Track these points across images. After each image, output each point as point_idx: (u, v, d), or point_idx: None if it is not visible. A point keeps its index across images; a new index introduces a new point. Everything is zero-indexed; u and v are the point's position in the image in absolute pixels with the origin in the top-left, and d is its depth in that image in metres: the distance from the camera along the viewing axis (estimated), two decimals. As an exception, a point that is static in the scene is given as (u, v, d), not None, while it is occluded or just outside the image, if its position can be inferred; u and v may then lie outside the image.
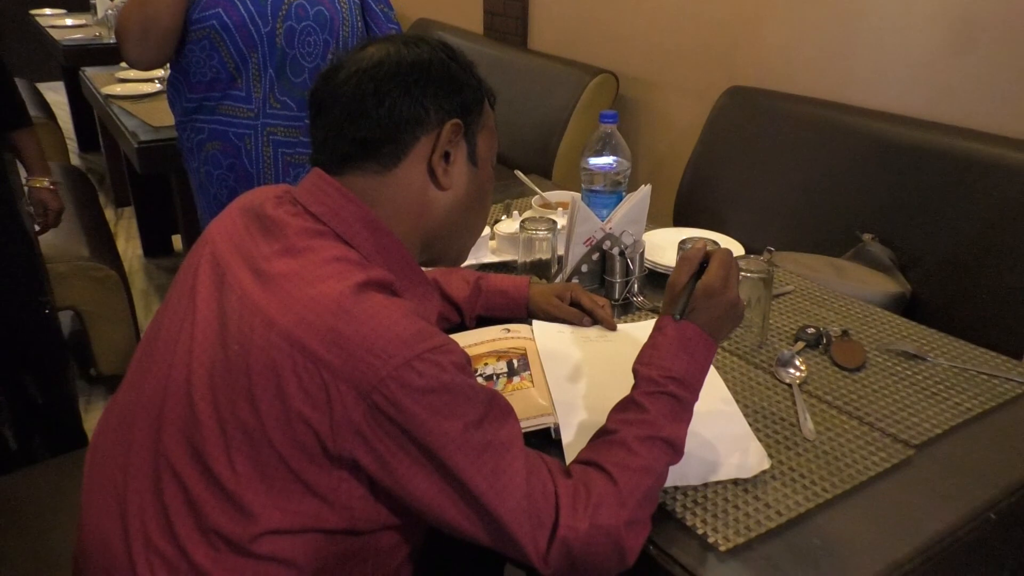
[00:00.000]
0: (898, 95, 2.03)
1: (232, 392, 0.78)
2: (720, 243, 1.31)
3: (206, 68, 1.59)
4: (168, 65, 1.67)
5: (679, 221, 2.43)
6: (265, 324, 0.78)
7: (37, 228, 1.86)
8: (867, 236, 1.94)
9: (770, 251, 1.93)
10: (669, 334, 0.91)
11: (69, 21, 4.02)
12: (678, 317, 0.91)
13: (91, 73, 3.02)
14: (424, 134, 0.87)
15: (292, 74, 1.62)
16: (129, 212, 3.65)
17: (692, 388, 0.91)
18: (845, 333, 1.25)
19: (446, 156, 0.89)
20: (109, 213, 3.76)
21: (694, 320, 0.92)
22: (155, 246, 3.41)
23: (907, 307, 1.83)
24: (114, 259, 2.45)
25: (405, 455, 0.77)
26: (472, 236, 0.99)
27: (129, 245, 3.51)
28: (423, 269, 0.95)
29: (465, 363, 0.81)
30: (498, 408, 0.82)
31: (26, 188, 1.83)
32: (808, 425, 1.04)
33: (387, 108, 0.85)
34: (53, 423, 1.91)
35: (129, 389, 0.90)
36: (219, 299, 0.84)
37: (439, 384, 0.76)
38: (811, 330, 1.25)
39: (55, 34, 3.79)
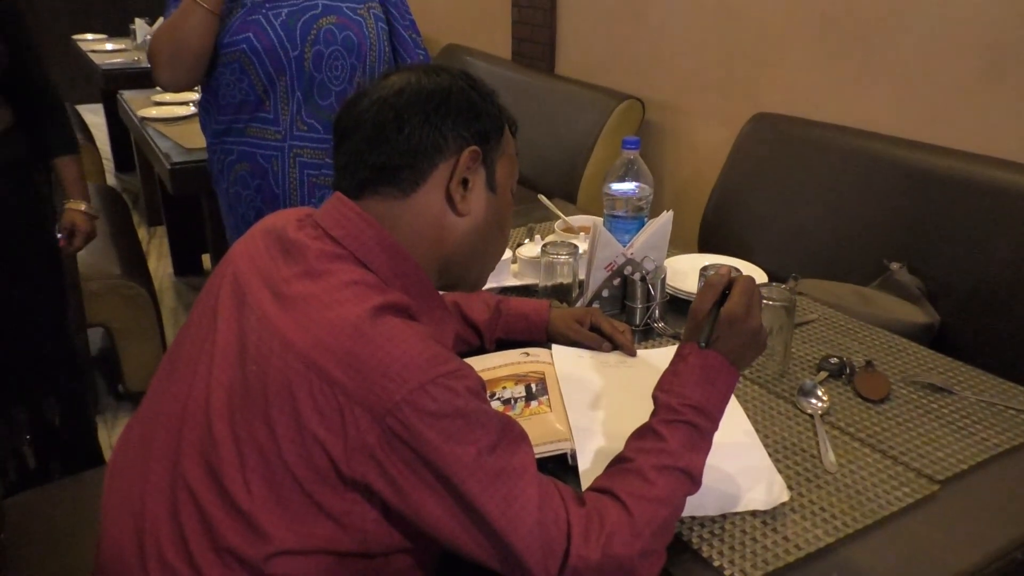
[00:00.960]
0: (926, 124, 2.01)
1: (249, 413, 0.79)
2: (742, 270, 1.31)
3: (235, 91, 1.62)
4: (200, 88, 1.71)
5: (704, 247, 2.41)
6: (283, 345, 0.78)
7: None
8: (895, 265, 1.92)
9: (795, 278, 1.91)
10: (691, 362, 0.90)
11: (109, 46, 4.14)
12: (703, 344, 0.90)
13: (128, 96, 3.10)
14: (442, 161, 0.88)
15: (319, 97, 1.65)
16: (161, 231, 3.71)
17: (712, 417, 0.90)
18: (869, 364, 1.23)
19: (464, 183, 0.90)
20: (142, 232, 3.84)
21: (717, 348, 0.90)
22: (185, 265, 3.47)
23: (935, 338, 1.80)
24: (145, 278, 2.49)
25: (418, 479, 0.77)
26: (491, 262, 1.00)
27: (160, 264, 3.57)
28: (442, 292, 0.95)
29: (480, 389, 0.81)
30: (512, 434, 0.82)
31: (64, 211, 1.88)
32: (830, 457, 1.03)
33: (406, 135, 0.86)
34: (71, 444, 1.93)
35: (149, 407, 0.92)
36: (239, 320, 0.85)
37: (453, 409, 0.76)
38: (834, 360, 1.23)
39: (95, 58, 3.90)
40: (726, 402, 0.92)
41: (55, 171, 1.87)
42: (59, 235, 1.88)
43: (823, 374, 1.22)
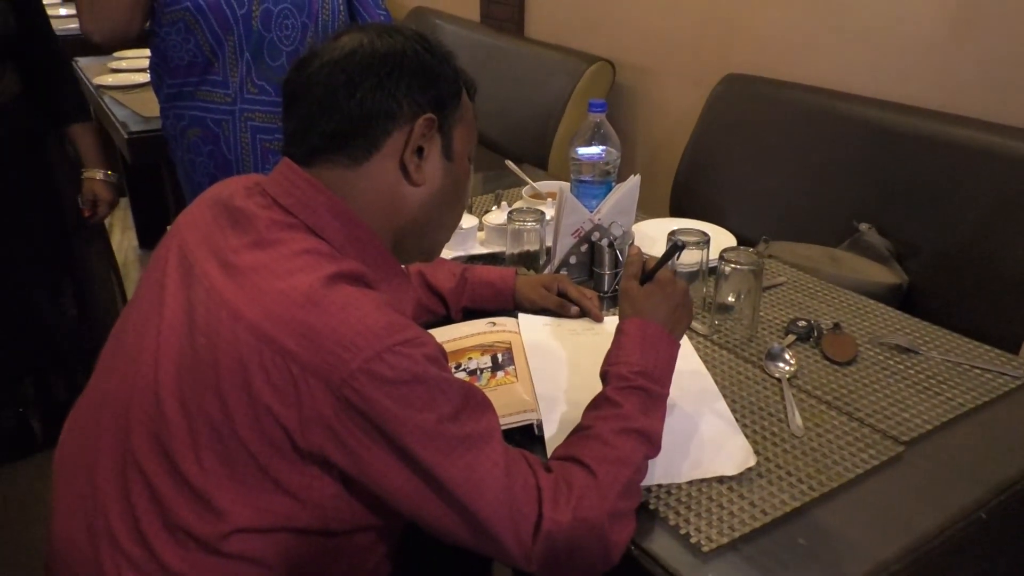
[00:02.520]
0: (897, 83, 2.00)
1: (199, 387, 0.76)
2: (710, 233, 1.30)
3: (183, 52, 1.56)
4: (151, 51, 1.64)
5: (675, 211, 2.40)
6: (232, 317, 0.76)
7: (87, 216, 1.89)
8: (864, 226, 1.91)
9: (766, 240, 1.91)
10: (631, 334, 0.94)
11: (63, 11, 3.99)
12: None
13: (84, 63, 2.99)
14: (396, 128, 0.84)
15: (270, 58, 1.59)
16: (124, 202, 3.63)
17: (661, 382, 0.92)
18: (837, 326, 1.22)
19: (419, 151, 0.86)
20: (105, 204, 3.74)
21: (652, 318, 0.95)
22: (150, 237, 3.39)
23: (904, 298, 1.80)
24: (108, 254, 2.42)
25: (378, 450, 0.75)
26: (446, 232, 0.97)
27: (125, 236, 3.49)
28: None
29: (439, 356, 0.79)
30: (474, 401, 0.80)
31: (83, 180, 1.86)
32: (796, 421, 1.02)
33: (358, 101, 0.82)
34: None
35: (96, 384, 0.89)
36: (187, 293, 0.82)
37: (411, 376, 0.74)
38: (802, 323, 1.22)
39: (54, 23, 3.76)
40: (672, 367, 0.95)
41: (70, 140, 1.83)
42: (81, 206, 1.86)
43: (791, 337, 1.21)
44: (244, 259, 0.80)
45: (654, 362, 0.91)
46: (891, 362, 1.16)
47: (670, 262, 1.01)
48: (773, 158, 2.19)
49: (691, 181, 2.40)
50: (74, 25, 3.68)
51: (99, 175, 1.86)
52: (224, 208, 0.86)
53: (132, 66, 2.79)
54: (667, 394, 0.92)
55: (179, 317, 0.81)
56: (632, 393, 0.88)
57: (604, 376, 0.93)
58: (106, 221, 2.06)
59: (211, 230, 0.85)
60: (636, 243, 1.39)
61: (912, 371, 1.13)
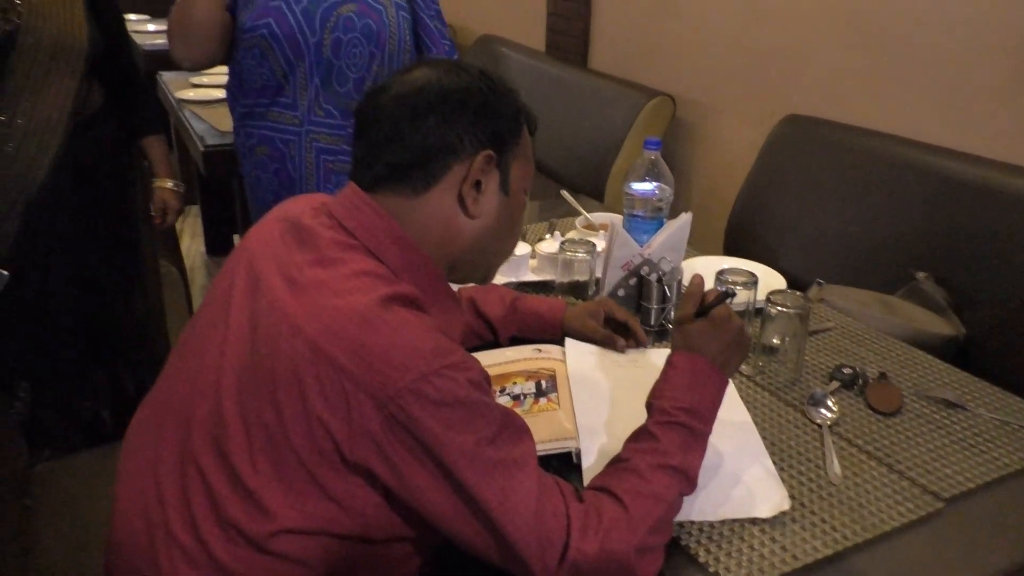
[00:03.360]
0: (962, 131, 1.98)
1: (257, 395, 0.81)
2: (759, 274, 1.31)
3: (257, 75, 1.65)
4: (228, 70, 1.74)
5: (729, 249, 2.40)
6: (292, 331, 0.80)
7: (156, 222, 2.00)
8: (921, 274, 1.89)
9: (820, 284, 1.90)
10: (680, 368, 0.94)
11: (151, 27, 4.19)
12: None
13: (167, 77, 3.14)
14: (456, 163, 0.89)
15: (337, 84, 1.66)
16: (195, 211, 3.78)
17: (704, 419, 0.93)
18: (883, 375, 1.22)
19: (477, 185, 0.90)
20: (177, 210, 3.90)
21: (702, 353, 0.95)
22: (217, 245, 3.52)
23: (959, 351, 1.77)
24: (176, 257, 2.53)
25: (419, 466, 0.78)
26: (499, 260, 1.01)
27: (193, 243, 3.63)
28: (455, 285, 0.97)
29: (482, 381, 0.82)
30: (513, 427, 0.83)
31: (153, 189, 1.97)
32: (835, 468, 1.02)
33: (422, 134, 0.87)
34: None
35: (163, 387, 0.94)
36: (252, 303, 0.87)
37: (454, 399, 0.78)
38: (847, 370, 1.22)
39: (137, 38, 3.95)
40: (718, 405, 0.95)
41: (143, 150, 1.95)
42: (152, 213, 1.97)
43: (835, 384, 1.21)
44: (307, 275, 0.84)
45: (699, 399, 0.92)
46: (937, 416, 1.15)
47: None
48: (831, 201, 2.18)
49: (746, 220, 2.40)
50: (160, 41, 3.88)
51: (169, 184, 1.96)
52: (292, 226, 0.91)
53: (212, 82, 2.92)
54: (709, 432, 0.92)
55: (243, 327, 0.86)
56: (673, 429, 0.90)
57: (649, 408, 0.94)
58: (176, 227, 2.17)
59: (278, 246, 0.90)
60: (684, 280, 1.40)
61: (958, 427, 1.12)
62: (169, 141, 4.19)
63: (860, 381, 1.21)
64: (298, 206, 0.95)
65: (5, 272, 1.59)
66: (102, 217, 1.82)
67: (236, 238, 3.54)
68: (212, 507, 0.82)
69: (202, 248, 3.56)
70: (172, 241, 2.66)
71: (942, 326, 1.79)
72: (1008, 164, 1.86)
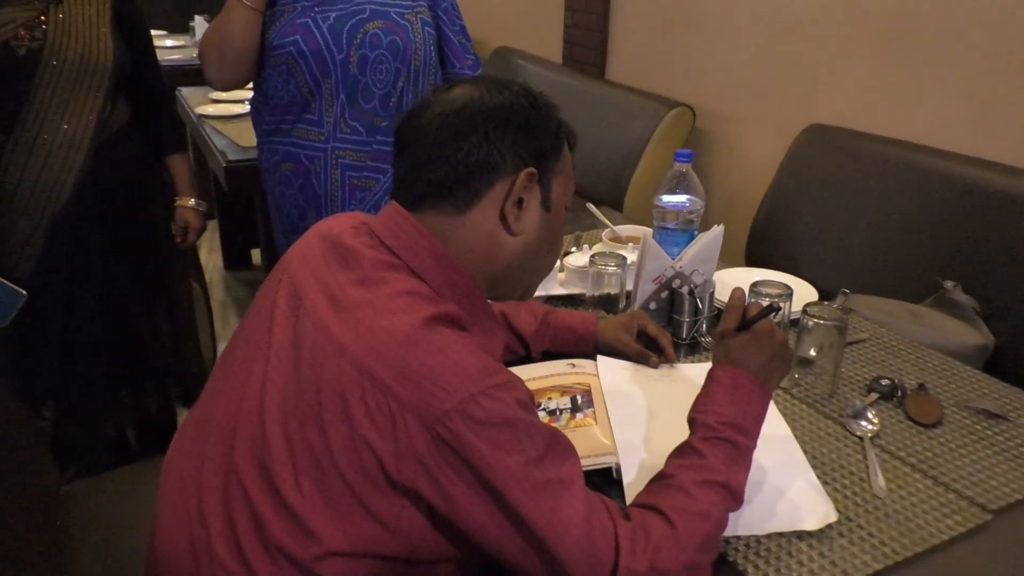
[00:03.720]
0: (988, 140, 1.97)
1: (302, 416, 0.81)
2: (793, 287, 1.30)
3: (283, 92, 1.66)
4: (252, 87, 1.75)
5: (751, 260, 2.39)
6: (337, 351, 0.80)
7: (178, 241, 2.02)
8: (949, 283, 1.87)
9: (845, 294, 1.88)
10: (723, 383, 0.94)
11: (169, 42, 4.23)
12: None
13: (186, 93, 3.17)
14: (499, 180, 0.89)
15: (363, 100, 1.67)
16: (213, 225, 3.80)
17: (749, 435, 0.92)
18: (922, 387, 1.21)
19: (519, 202, 0.90)
20: (195, 225, 3.92)
21: (745, 368, 0.95)
22: (235, 259, 3.54)
23: (989, 360, 1.75)
24: (198, 273, 2.54)
25: (466, 487, 0.78)
26: (539, 277, 1.01)
27: (211, 258, 3.64)
28: (490, 301, 0.97)
29: (528, 401, 0.82)
30: (559, 446, 0.82)
31: (175, 207, 1.99)
32: (879, 481, 1.01)
33: (464, 153, 0.87)
34: (163, 430, 2.02)
35: (205, 405, 0.94)
36: (295, 324, 0.87)
37: (501, 419, 0.77)
38: (885, 382, 1.21)
39: (158, 54, 3.98)
40: (761, 420, 0.95)
41: (166, 169, 1.96)
42: (173, 232, 1.99)
43: (873, 396, 1.20)
44: (350, 295, 0.84)
45: (743, 413, 0.92)
46: (978, 427, 1.13)
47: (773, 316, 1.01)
48: (855, 211, 2.17)
49: (769, 230, 2.39)
50: (177, 56, 3.91)
51: (191, 202, 1.97)
52: (333, 245, 0.91)
53: (232, 97, 2.93)
54: (754, 447, 0.92)
55: (286, 347, 0.86)
56: (718, 444, 0.89)
57: (691, 423, 0.94)
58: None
59: (320, 265, 0.90)
60: (717, 293, 1.39)
61: (1000, 437, 1.11)
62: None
63: (898, 392, 1.20)
64: (339, 224, 0.95)
65: (23, 291, 1.60)
66: (127, 235, 1.83)
67: (255, 252, 3.55)
68: (256, 530, 0.82)
69: (220, 263, 3.57)
70: (193, 257, 2.67)
71: (972, 336, 1.78)
72: (1035, 172, 1.85)
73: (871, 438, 1.10)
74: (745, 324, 0.98)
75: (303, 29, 1.61)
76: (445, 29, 1.80)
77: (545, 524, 0.78)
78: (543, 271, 1.00)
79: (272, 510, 0.81)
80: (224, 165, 2.34)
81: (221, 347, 2.85)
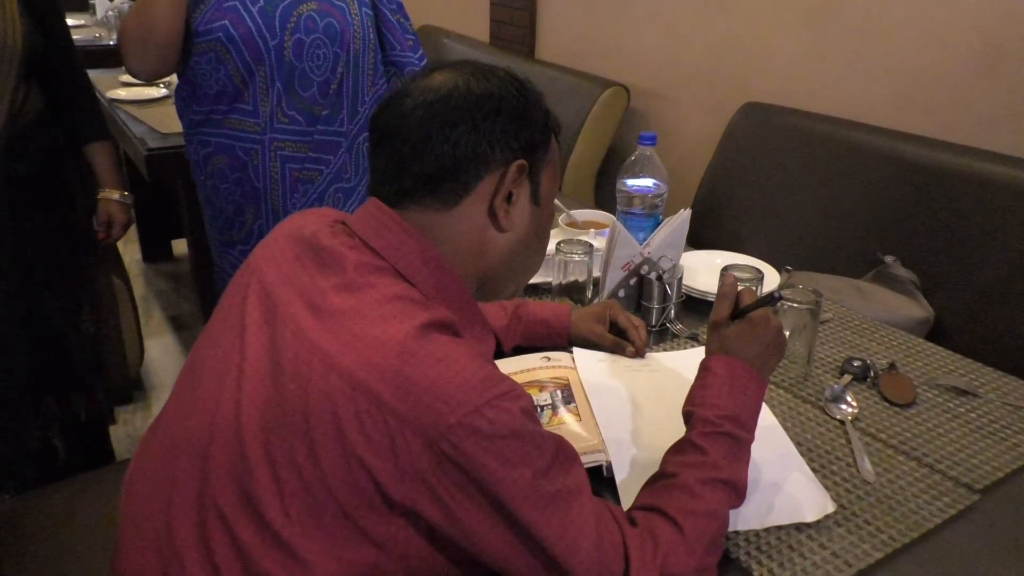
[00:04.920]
0: (921, 116, 2.02)
1: (287, 434, 0.74)
2: (760, 268, 1.29)
3: (212, 80, 1.53)
4: (176, 76, 1.61)
5: (694, 240, 2.38)
6: (324, 364, 0.73)
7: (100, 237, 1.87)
8: (889, 258, 1.92)
9: (788, 271, 1.91)
10: (719, 373, 0.91)
11: (68, 22, 3.94)
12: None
13: (93, 76, 2.93)
14: (488, 173, 0.83)
15: (300, 88, 1.56)
16: (126, 216, 3.59)
17: (748, 427, 0.90)
18: (892, 366, 1.22)
19: (508, 197, 0.85)
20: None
21: (741, 357, 0.92)
22: (155, 251, 3.34)
23: (930, 332, 1.81)
24: (119, 267, 2.38)
25: (472, 505, 0.73)
26: (528, 275, 0.96)
27: (127, 249, 3.43)
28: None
29: (531, 408, 0.77)
30: (564, 454, 0.78)
31: (98, 201, 1.83)
32: (866, 466, 1.01)
33: (452, 144, 0.81)
34: (93, 437, 1.90)
35: (172, 419, 0.86)
36: (271, 334, 0.79)
37: (508, 431, 0.72)
38: (857, 362, 1.22)
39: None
40: (758, 411, 0.93)
41: (87, 159, 1.80)
42: (96, 228, 1.83)
43: (847, 377, 1.20)
44: (333, 302, 0.77)
45: (741, 405, 0.89)
46: (951, 404, 1.15)
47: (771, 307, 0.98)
48: (794, 188, 2.20)
49: (709, 210, 2.41)
50: (78, 36, 3.64)
51: (116, 195, 1.83)
52: (308, 246, 0.84)
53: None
54: (752, 439, 0.90)
55: (263, 360, 0.78)
56: (719, 439, 0.86)
57: (688, 417, 0.91)
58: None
59: (295, 269, 0.83)
60: (684, 278, 1.37)
61: (974, 415, 1.13)
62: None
63: (871, 373, 1.20)
64: (311, 223, 0.87)
65: None
66: (42, 230, 1.68)
67: (177, 243, 3.37)
68: (239, 560, 0.75)
69: (138, 255, 3.37)
70: (113, 251, 2.49)
71: (914, 309, 1.83)
72: (965, 147, 1.90)
73: (852, 421, 1.10)
74: (739, 312, 0.95)
75: (231, 13, 1.49)
76: (381, 7, 1.70)
77: (557, 540, 0.74)
78: (532, 269, 0.95)
79: (256, 537, 0.74)
80: (145, 154, 2.18)
81: (148, 344, 2.70)
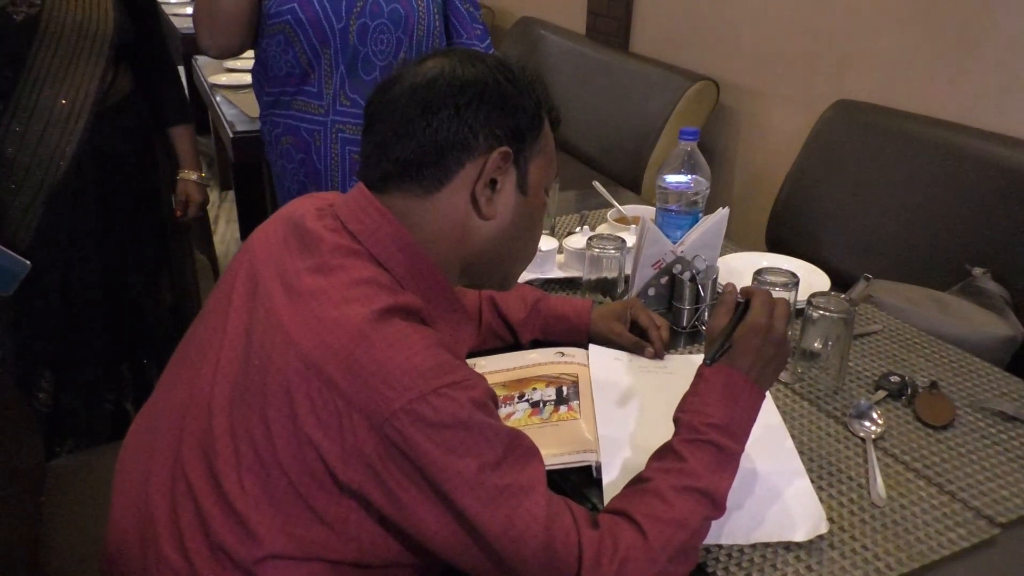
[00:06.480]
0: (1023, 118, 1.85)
1: (247, 408, 0.76)
2: (801, 273, 1.22)
3: (282, 63, 1.60)
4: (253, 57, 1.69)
5: (772, 242, 2.30)
6: (284, 341, 0.75)
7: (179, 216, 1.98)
8: (978, 270, 1.78)
9: (867, 279, 1.80)
10: (712, 381, 0.86)
11: (190, 10, 4.19)
12: (708, 363, 0.87)
13: (202, 62, 3.13)
14: (469, 160, 0.82)
15: (363, 72, 1.61)
16: (231, 196, 3.78)
17: (737, 438, 0.85)
18: (934, 385, 1.13)
19: (492, 184, 0.84)
20: (214, 195, 3.91)
21: (738, 365, 0.87)
22: (251, 230, 3.51)
23: (1017, 353, 1.66)
24: (208, 245, 2.53)
25: (417, 492, 0.73)
26: (518, 265, 0.94)
27: (228, 228, 3.64)
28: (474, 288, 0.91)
29: (487, 400, 0.76)
30: (520, 449, 0.77)
31: (177, 180, 1.95)
32: (879, 488, 0.94)
33: (433, 129, 0.81)
34: None
35: (160, 394, 0.90)
36: (250, 310, 0.82)
37: (454, 420, 0.72)
38: (895, 378, 1.14)
39: (176, 22, 3.96)
40: (752, 422, 0.88)
41: (170, 140, 1.92)
42: (174, 206, 1.95)
43: (881, 393, 1.12)
44: (304, 283, 0.79)
45: (732, 415, 0.85)
46: (992, 430, 1.06)
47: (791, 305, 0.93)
48: (882, 192, 2.07)
49: (790, 212, 2.30)
50: (186, 25, 3.87)
51: (193, 176, 1.94)
52: (295, 228, 0.86)
53: (245, 67, 2.89)
54: (741, 451, 0.85)
55: (240, 336, 0.81)
56: (701, 447, 0.83)
57: (676, 422, 0.87)
58: (210, 213, 2.14)
59: (280, 249, 0.85)
60: (720, 278, 1.32)
61: (1016, 443, 1.03)
62: (207, 127, 4.24)
63: (908, 391, 1.12)
64: (304, 206, 0.89)
65: (27, 261, 1.58)
66: (127, 206, 1.80)
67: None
68: (200, 526, 0.78)
69: (236, 234, 3.55)
70: (204, 229, 2.65)
71: (1000, 326, 1.68)
72: (1076, 153, 1.73)
73: (874, 440, 1.03)
74: (734, 324, 0.90)
75: None
76: None
77: (501, 533, 0.73)
78: (522, 258, 0.94)
79: (215, 507, 0.77)
80: (232, 136, 2.31)
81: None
